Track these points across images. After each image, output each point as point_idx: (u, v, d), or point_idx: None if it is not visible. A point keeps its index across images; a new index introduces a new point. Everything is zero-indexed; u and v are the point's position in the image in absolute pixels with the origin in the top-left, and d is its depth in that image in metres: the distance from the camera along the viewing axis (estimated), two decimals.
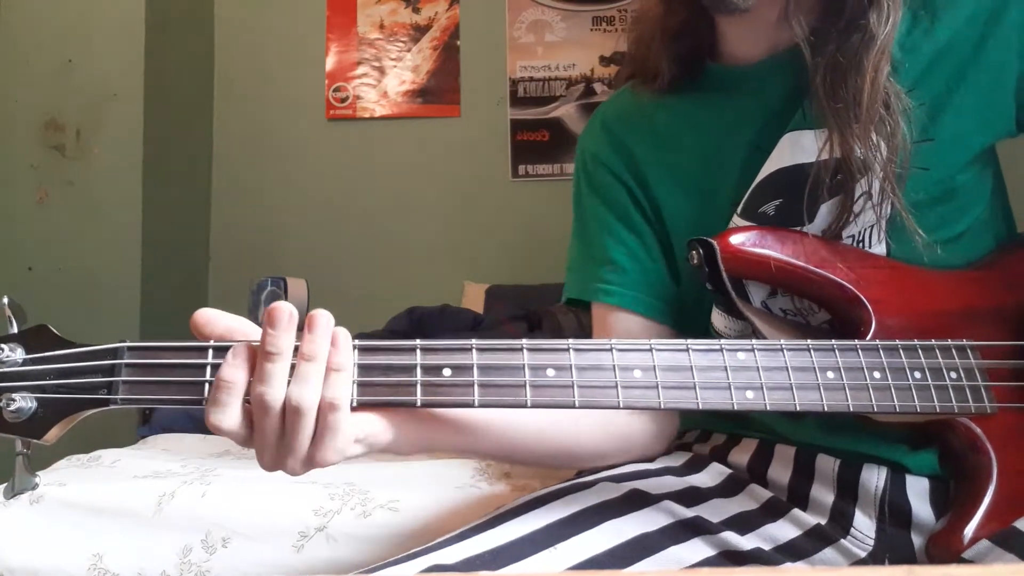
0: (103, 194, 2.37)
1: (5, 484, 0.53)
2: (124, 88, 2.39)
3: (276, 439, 0.51)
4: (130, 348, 0.52)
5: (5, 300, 0.53)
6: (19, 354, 0.51)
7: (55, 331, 0.53)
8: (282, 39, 2.87)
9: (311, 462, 0.52)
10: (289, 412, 0.50)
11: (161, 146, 2.47)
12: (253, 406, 0.50)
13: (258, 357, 0.50)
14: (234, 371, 0.50)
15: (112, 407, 0.51)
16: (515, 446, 0.66)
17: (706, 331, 0.76)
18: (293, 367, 0.51)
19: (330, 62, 2.86)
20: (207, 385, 0.52)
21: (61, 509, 1.03)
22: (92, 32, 2.40)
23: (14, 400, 0.50)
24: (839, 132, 0.65)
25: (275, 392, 0.50)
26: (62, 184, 2.38)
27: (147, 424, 1.66)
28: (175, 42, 2.60)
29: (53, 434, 0.51)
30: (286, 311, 0.50)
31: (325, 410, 0.51)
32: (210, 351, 0.52)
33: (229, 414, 0.50)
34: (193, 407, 0.52)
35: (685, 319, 0.80)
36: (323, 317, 0.52)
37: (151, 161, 2.41)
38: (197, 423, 1.60)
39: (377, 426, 0.54)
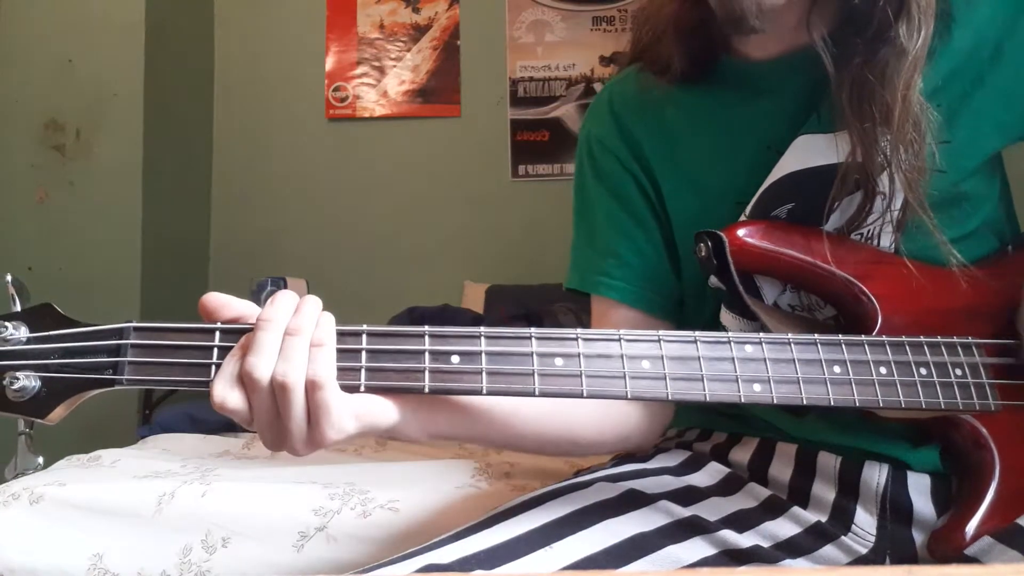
0: (103, 194, 2.37)
1: (8, 464, 0.53)
2: (124, 88, 2.39)
3: (271, 418, 0.52)
4: (136, 328, 0.52)
5: (9, 278, 0.52)
6: (23, 332, 0.51)
7: (60, 310, 0.53)
8: (282, 39, 2.87)
9: (312, 442, 0.52)
10: (277, 390, 0.50)
11: (161, 146, 2.48)
12: (244, 380, 0.50)
13: (253, 329, 0.51)
14: (237, 347, 0.51)
15: (117, 387, 0.51)
16: (518, 432, 0.66)
17: (707, 327, 0.75)
18: None
19: (330, 62, 2.86)
20: (213, 367, 0.51)
21: (61, 509, 1.03)
22: (92, 32, 2.40)
23: (17, 379, 0.50)
24: (863, 147, 0.63)
25: (263, 364, 0.50)
26: (62, 184, 2.38)
27: (147, 424, 1.66)
28: (175, 42, 2.60)
29: (57, 414, 0.51)
30: (288, 294, 0.53)
31: (310, 389, 0.51)
32: (217, 333, 0.52)
33: (231, 391, 0.51)
34: (198, 389, 0.52)
35: (685, 315, 0.80)
36: (311, 300, 0.53)
37: (151, 161, 2.41)
38: (197, 423, 1.60)
39: (378, 405, 0.54)
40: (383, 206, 2.79)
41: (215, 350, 0.52)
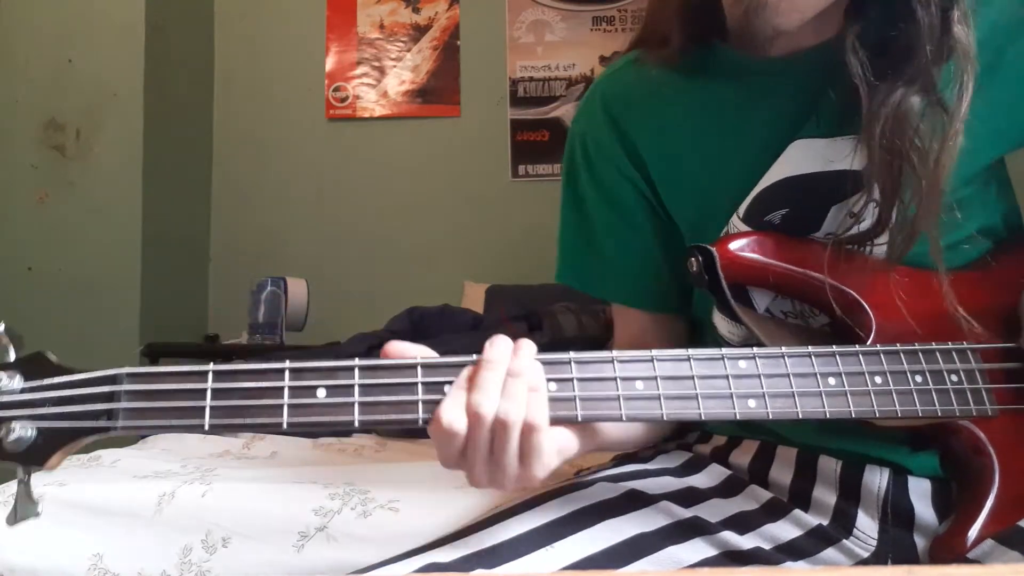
0: (103, 194, 2.37)
1: (8, 512, 0.53)
2: (124, 88, 2.39)
3: (486, 453, 0.54)
4: (129, 375, 0.52)
5: (1, 327, 0.52)
6: (17, 382, 0.51)
7: (53, 358, 0.53)
8: (282, 39, 2.87)
9: (522, 480, 0.55)
10: (497, 427, 0.53)
11: (161, 146, 2.48)
12: (468, 416, 0.53)
13: (476, 369, 0.54)
14: (463, 380, 0.54)
15: (112, 433, 0.51)
16: (615, 440, 0.70)
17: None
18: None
19: (330, 62, 2.86)
20: (208, 410, 0.52)
21: (61, 509, 1.03)
22: (92, 32, 2.40)
23: (13, 429, 0.49)
24: (884, 184, 0.63)
25: (489, 400, 0.53)
26: (62, 184, 2.38)
27: None
28: (175, 42, 2.60)
29: (54, 461, 0.51)
30: (506, 338, 0.56)
31: (526, 431, 0.53)
32: (210, 375, 0.52)
33: (460, 416, 0.53)
34: (195, 432, 0.52)
35: (696, 304, 0.80)
36: (527, 344, 0.56)
37: (151, 161, 2.41)
38: None
39: (569, 438, 0.58)
40: (383, 206, 2.79)
41: (208, 392, 0.52)
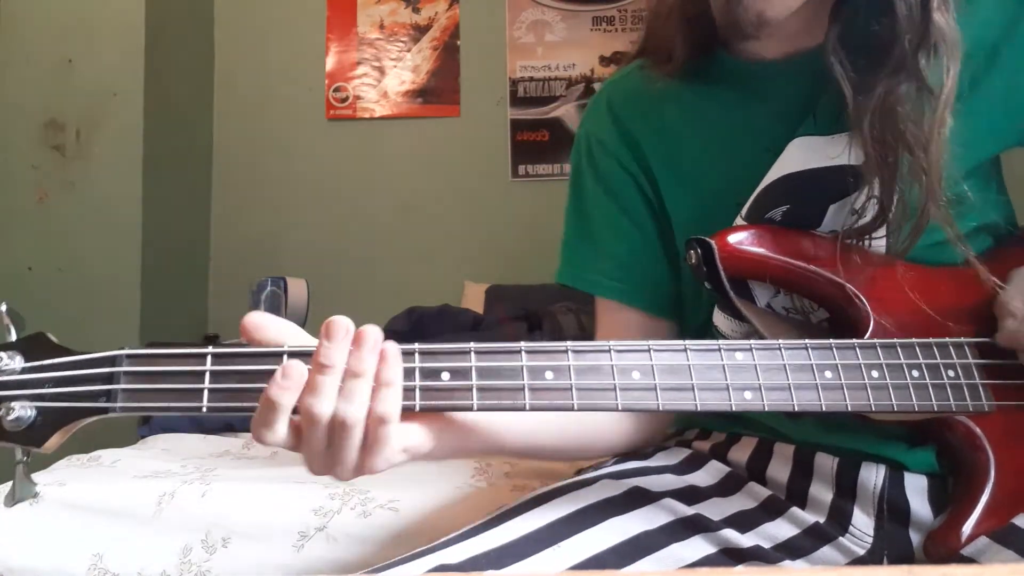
0: (103, 194, 2.37)
1: (6, 492, 0.53)
2: (124, 88, 2.39)
3: (323, 448, 0.52)
4: (129, 355, 0.52)
5: (3, 307, 0.52)
6: (18, 362, 0.51)
7: (53, 338, 0.53)
8: (282, 39, 2.88)
9: (360, 470, 0.53)
10: (336, 426, 0.50)
11: (161, 146, 2.48)
12: (302, 417, 0.50)
13: (311, 368, 0.50)
14: (281, 392, 0.49)
15: (112, 415, 0.51)
16: (539, 443, 0.68)
17: (705, 326, 0.76)
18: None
19: (330, 62, 2.86)
20: (207, 392, 0.51)
21: (61, 509, 1.03)
22: (92, 32, 2.40)
23: (13, 409, 0.50)
24: (882, 178, 0.63)
25: (324, 405, 0.50)
26: (62, 184, 2.38)
27: (147, 424, 1.66)
28: (175, 42, 2.60)
29: (53, 442, 0.51)
30: (343, 325, 0.51)
31: (374, 424, 0.51)
32: (208, 358, 0.52)
33: (276, 431, 0.50)
34: (193, 414, 0.52)
35: (686, 313, 0.80)
36: (371, 332, 0.51)
37: (151, 161, 2.41)
38: (197, 423, 1.60)
39: (421, 436, 0.55)
40: (383, 206, 2.80)
41: (207, 375, 0.52)
